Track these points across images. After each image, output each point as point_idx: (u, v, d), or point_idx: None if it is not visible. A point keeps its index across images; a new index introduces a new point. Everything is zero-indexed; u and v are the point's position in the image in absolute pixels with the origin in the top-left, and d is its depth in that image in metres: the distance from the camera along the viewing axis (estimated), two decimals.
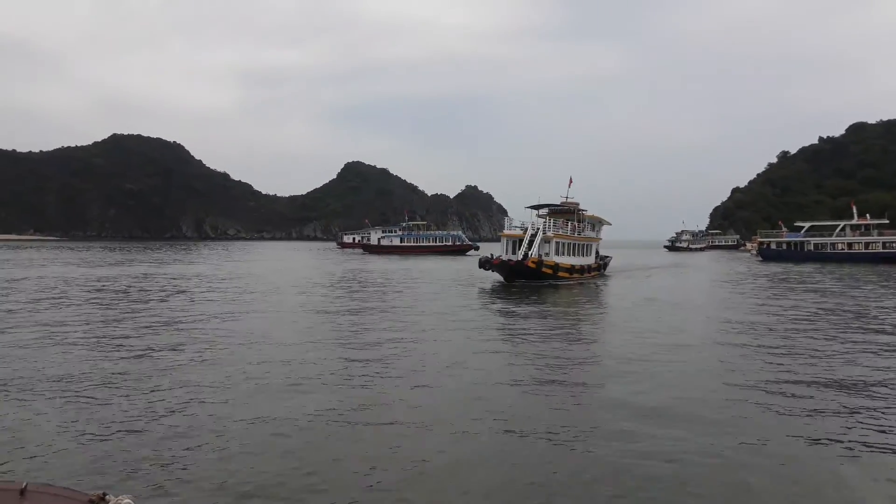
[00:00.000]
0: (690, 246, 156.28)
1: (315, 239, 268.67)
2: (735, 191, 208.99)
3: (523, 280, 42.75)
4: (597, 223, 57.09)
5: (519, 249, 44.80)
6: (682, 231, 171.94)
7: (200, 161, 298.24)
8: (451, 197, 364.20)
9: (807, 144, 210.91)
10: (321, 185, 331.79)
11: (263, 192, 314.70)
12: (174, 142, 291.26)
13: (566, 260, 46.38)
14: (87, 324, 20.95)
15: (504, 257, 44.44)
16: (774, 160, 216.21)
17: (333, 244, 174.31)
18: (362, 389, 12.64)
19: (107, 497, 1.98)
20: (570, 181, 55.04)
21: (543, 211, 53.44)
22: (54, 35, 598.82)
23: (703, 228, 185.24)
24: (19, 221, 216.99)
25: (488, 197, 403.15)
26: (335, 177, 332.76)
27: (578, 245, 49.79)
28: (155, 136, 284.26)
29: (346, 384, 13.00)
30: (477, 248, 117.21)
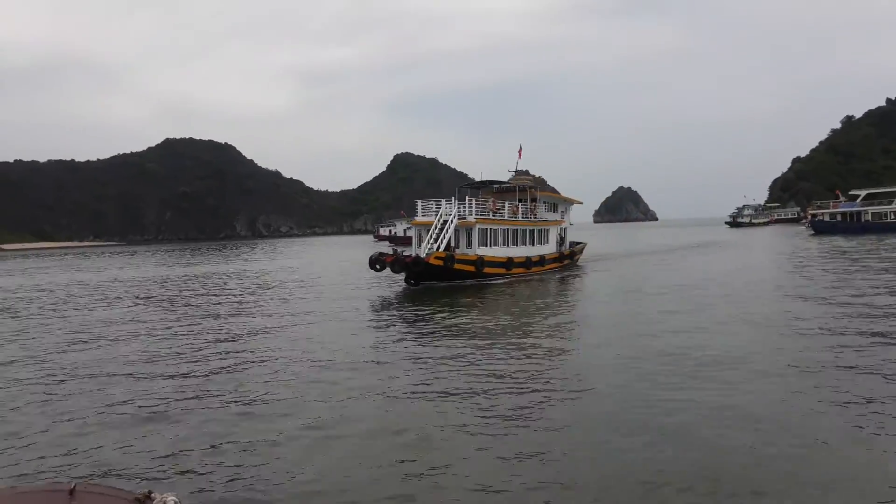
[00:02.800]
0: (753, 221, 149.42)
1: (365, 232, 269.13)
2: (796, 161, 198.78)
3: (433, 281, 33.97)
4: (560, 203, 48.16)
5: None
6: (744, 206, 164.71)
7: (252, 161, 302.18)
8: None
9: (873, 107, 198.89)
10: (371, 178, 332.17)
11: (315, 189, 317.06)
12: (225, 143, 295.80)
13: (499, 252, 37.75)
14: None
15: (412, 252, 35.64)
16: (838, 126, 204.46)
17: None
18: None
19: (152, 495, 1.98)
20: (520, 151, 46.70)
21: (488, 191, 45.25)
22: (115, 48, 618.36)
23: (762, 202, 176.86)
24: (80, 228, 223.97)
25: (541, 180, 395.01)
26: (385, 169, 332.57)
27: (524, 231, 40.88)
28: (206, 139, 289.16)
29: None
30: None
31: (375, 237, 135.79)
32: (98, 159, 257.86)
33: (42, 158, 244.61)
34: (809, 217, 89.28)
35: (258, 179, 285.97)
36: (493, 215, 38.65)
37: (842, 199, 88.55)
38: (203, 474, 8.77)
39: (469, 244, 36.96)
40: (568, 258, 46.03)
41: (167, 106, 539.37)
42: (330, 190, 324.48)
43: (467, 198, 37.13)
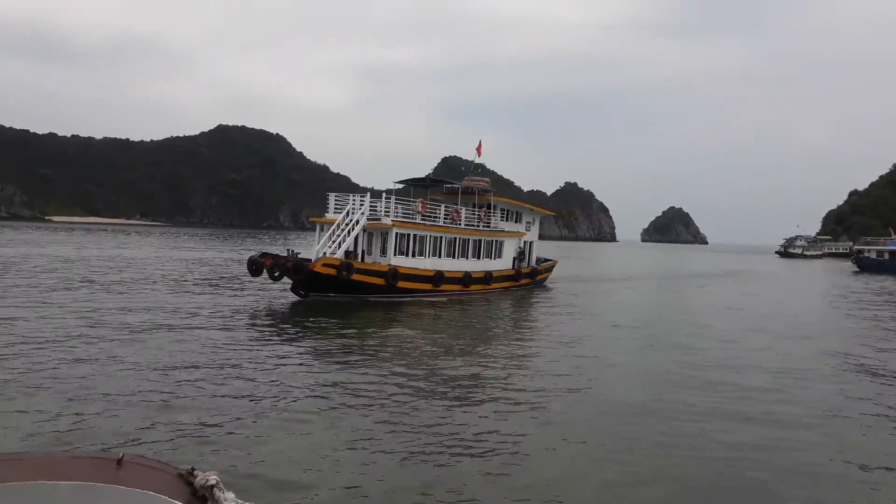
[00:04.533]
0: (805, 253, 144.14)
1: None
2: (852, 194, 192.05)
3: (329, 294, 28.16)
4: (524, 213, 41.46)
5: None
6: (797, 236, 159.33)
7: (301, 153, 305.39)
8: (549, 194, 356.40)
9: None
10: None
11: (362, 185, 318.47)
12: (276, 134, 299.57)
13: (424, 263, 31.89)
14: None
15: (301, 256, 29.90)
16: None
17: None
18: None
19: (195, 472, 2.05)
20: (479, 147, 40.30)
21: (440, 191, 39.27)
22: (182, 32, 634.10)
23: (814, 234, 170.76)
24: (128, 206, 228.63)
25: (589, 194, 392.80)
26: (431, 171, 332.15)
27: (465, 242, 34.81)
28: (259, 128, 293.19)
29: None
30: None
31: None
32: (151, 140, 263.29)
33: (98, 135, 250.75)
34: (855, 253, 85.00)
35: (305, 172, 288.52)
36: (423, 219, 32.73)
37: (894, 236, 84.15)
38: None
39: (383, 252, 31.10)
40: (528, 277, 39.64)
41: (225, 93, 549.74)
42: (376, 188, 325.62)
43: (384, 195, 31.27)
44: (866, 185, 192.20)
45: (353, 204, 30.75)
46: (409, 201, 32.73)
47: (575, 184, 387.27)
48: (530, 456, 9.86)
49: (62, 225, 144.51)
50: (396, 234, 30.78)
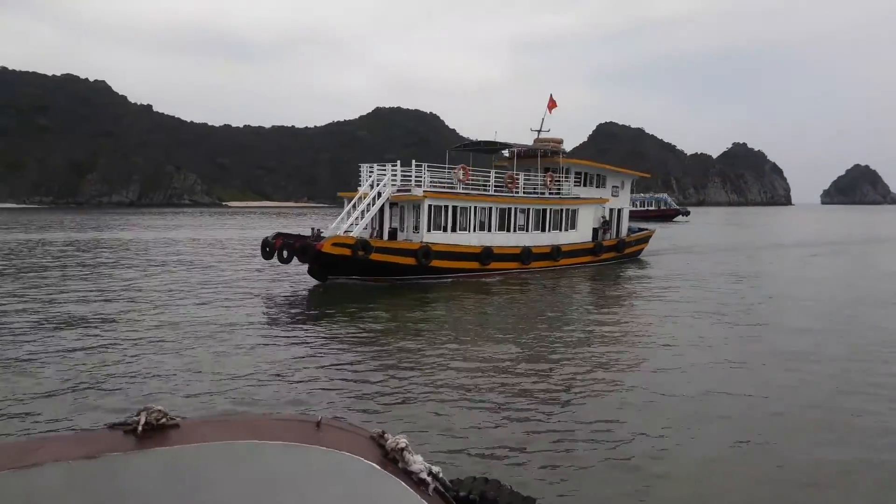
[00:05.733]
0: None
1: None
2: None
3: (353, 277, 25.17)
4: (609, 175, 36.18)
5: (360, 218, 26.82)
6: None
7: (454, 130, 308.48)
8: (714, 157, 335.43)
9: None
10: (571, 149, 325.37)
11: None
12: (430, 112, 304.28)
13: (469, 238, 28.08)
14: None
15: (325, 234, 26.14)
16: None
17: None
18: None
19: (385, 435, 2.20)
20: (552, 102, 35.33)
21: (501, 155, 35.39)
22: (344, 21, 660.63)
23: None
24: (296, 190, 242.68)
25: (760, 155, 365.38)
26: (585, 140, 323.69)
27: (525, 212, 30.86)
28: (413, 108, 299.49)
29: None
30: (687, 214, 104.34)
31: None
32: (315, 126, 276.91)
33: (267, 124, 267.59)
34: None
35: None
36: (465, 188, 29.01)
37: None
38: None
39: (416, 228, 27.58)
40: (612, 249, 34.72)
41: (383, 76, 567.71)
42: None
43: (413, 162, 27.50)
44: None
45: (378, 174, 27.42)
46: (449, 168, 29.16)
47: (744, 144, 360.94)
48: None
49: (238, 209, 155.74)
50: (430, 206, 27.06)
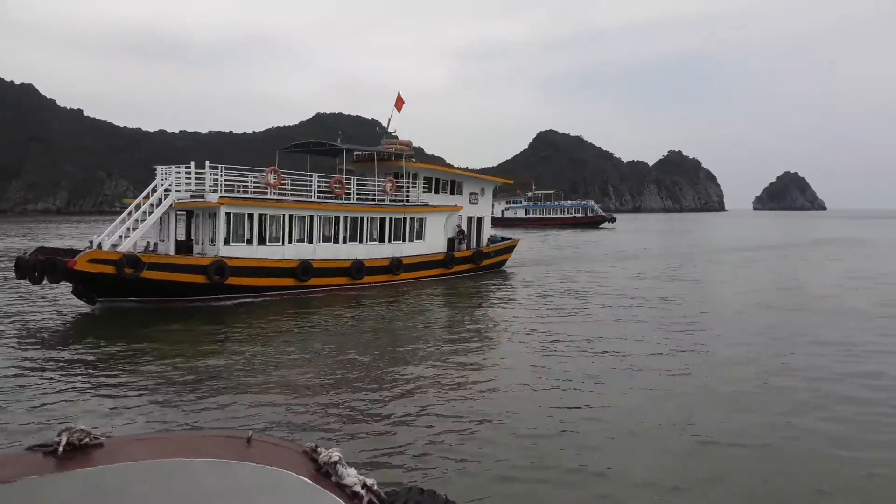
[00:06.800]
0: None
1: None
2: None
3: (129, 298, 21.61)
4: (465, 182, 34.12)
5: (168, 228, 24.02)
6: None
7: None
8: (651, 164, 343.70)
9: None
10: (512, 156, 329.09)
11: (456, 165, 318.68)
12: (371, 118, 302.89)
13: (282, 251, 24.90)
14: None
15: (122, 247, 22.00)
16: None
17: None
18: None
19: (318, 450, 2.15)
20: (399, 100, 33.56)
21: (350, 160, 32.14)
22: (291, 26, 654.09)
23: None
24: None
25: (694, 162, 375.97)
26: (526, 147, 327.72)
27: (362, 221, 28.13)
28: (354, 115, 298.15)
29: None
30: (613, 220, 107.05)
31: None
32: (254, 132, 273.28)
33: (204, 130, 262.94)
34: None
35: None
36: (276, 192, 25.68)
37: None
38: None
39: (213, 239, 24.02)
40: (467, 261, 32.32)
41: (328, 82, 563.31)
42: (471, 167, 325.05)
43: (208, 164, 24.14)
44: None
45: (164, 177, 23.62)
46: (258, 171, 26.18)
47: (679, 152, 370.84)
48: None
49: None
50: (227, 214, 23.50)
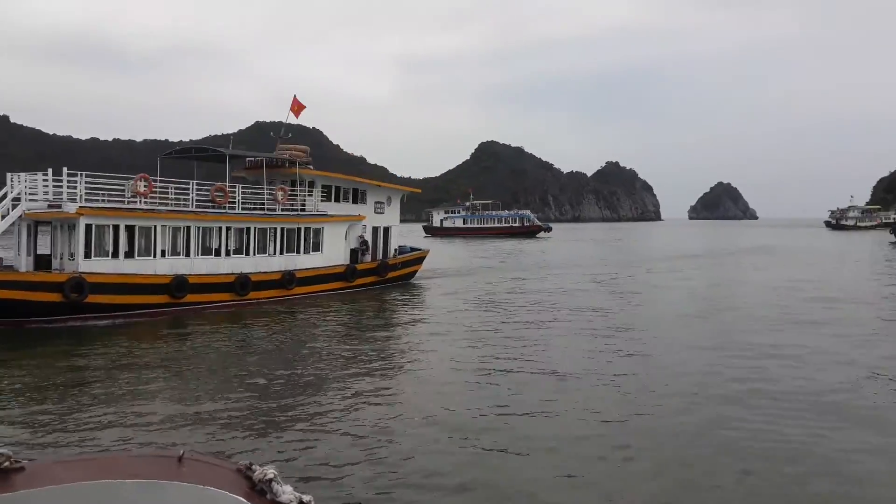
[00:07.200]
0: (859, 224, 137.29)
1: None
2: None
3: None
4: (369, 191, 32.45)
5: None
6: (850, 207, 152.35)
7: (338, 146, 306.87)
8: (589, 175, 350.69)
9: None
10: (455, 166, 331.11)
11: (398, 175, 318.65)
12: (313, 127, 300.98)
13: (161, 266, 23.00)
14: None
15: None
16: None
17: None
18: None
19: (253, 467, 2.09)
20: (295, 103, 32.17)
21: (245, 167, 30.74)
22: (230, 34, 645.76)
23: (864, 204, 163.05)
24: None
25: (631, 173, 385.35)
26: (468, 158, 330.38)
27: (249, 232, 26.01)
28: (295, 123, 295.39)
29: None
30: (548, 230, 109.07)
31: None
32: (191, 139, 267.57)
33: (139, 138, 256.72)
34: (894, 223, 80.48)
35: (343, 165, 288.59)
36: (145, 201, 23.06)
37: None
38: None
39: (73, 253, 21.75)
40: (371, 274, 30.88)
41: (269, 91, 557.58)
42: (414, 177, 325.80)
43: (66, 170, 21.77)
44: None
45: (13, 185, 21.69)
46: (118, 178, 23.29)
47: (616, 163, 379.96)
48: None
49: None
50: (88, 225, 21.37)
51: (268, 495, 2.06)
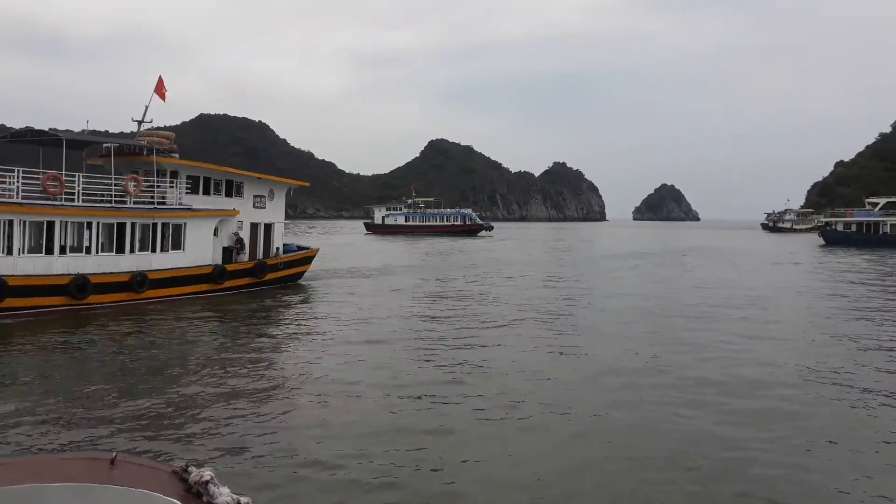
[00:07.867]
0: (795, 227, 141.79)
1: None
2: (838, 165, 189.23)
3: None
4: (246, 183, 29.49)
5: None
6: (786, 210, 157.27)
7: (285, 140, 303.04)
8: (537, 175, 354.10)
9: None
10: (404, 164, 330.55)
11: (347, 172, 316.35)
12: (259, 121, 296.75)
13: None
14: None
15: None
16: (888, 130, 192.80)
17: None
18: None
19: (189, 469, 2.07)
20: (161, 86, 28.20)
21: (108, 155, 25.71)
22: (181, 24, 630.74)
23: (798, 207, 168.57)
24: None
25: (578, 174, 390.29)
26: (418, 155, 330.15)
27: (94, 227, 22.68)
28: (241, 116, 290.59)
29: None
30: (490, 229, 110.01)
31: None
32: (132, 131, 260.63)
33: (77, 128, 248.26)
34: (823, 226, 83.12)
35: (290, 159, 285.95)
36: None
37: (867, 207, 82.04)
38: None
39: None
40: (246, 275, 28.11)
41: (214, 83, 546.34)
42: (362, 174, 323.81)
43: None
44: (853, 156, 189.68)
45: None
46: None
47: (563, 164, 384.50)
48: None
49: None
50: None
51: (204, 497, 2.02)
